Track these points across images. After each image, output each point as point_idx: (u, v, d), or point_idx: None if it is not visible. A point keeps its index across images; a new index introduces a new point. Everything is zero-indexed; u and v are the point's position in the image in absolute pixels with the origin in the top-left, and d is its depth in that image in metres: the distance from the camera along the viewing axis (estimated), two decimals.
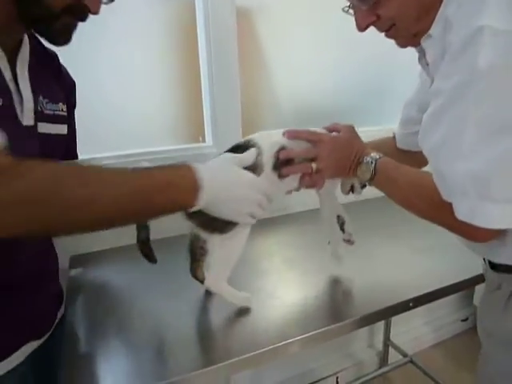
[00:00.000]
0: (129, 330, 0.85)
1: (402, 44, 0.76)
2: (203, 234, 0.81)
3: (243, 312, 0.87)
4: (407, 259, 1.13)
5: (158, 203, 0.60)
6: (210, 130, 1.37)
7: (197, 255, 0.86)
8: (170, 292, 0.97)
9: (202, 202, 0.64)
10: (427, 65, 0.76)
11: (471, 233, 0.65)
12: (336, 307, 0.91)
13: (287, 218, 1.49)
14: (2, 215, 0.45)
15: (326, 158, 0.84)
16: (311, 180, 0.85)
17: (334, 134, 0.89)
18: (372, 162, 0.82)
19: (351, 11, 0.73)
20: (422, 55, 0.78)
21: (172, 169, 0.63)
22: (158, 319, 0.89)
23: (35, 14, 0.61)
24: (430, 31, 0.69)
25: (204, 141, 1.39)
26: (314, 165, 0.83)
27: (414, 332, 2.07)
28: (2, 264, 0.67)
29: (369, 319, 0.87)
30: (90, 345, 0.80)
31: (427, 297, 0.94)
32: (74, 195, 0.52)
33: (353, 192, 0.96)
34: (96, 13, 0.68)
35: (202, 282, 0.87)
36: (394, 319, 1.89)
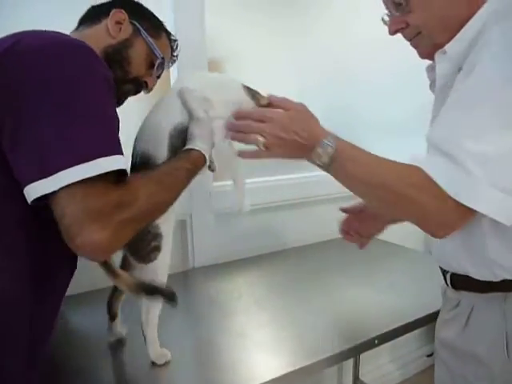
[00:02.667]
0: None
1: (424, 53, 0.81)
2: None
3: (210, 352, 0.88)
4: (370, 297, 1.16)
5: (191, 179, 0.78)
6: None
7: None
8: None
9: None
10: (433, 82, 0.80)
11: (442, 220, 0.64)
12: (304, 347, 0.93)
13: (256, 258, 1.51)
14: (123, 232, 0.61)
15: (276, 135, 0.74)
16: (255, 153, 0.78)
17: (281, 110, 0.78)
18: (330, 145, 0.71)
19: (386, 19, 0.81)
20: (432, 68, 0.81)
21: (189, 155, 0.78)
22: (116, 360, 0.88)
23: (115, 74, 0.70)
24: (446, 48, 0.74)
25: None
26: (260, 139, 0.74)
27: (382, 370, 2.09)
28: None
29: (337, 358, 0.90)
30: None
31: (391, 333, 0.98)
32: (160, 205, 0.70)
33: None
34: (151, 90, 0.88)
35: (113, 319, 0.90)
36: (363, 358, 1.90)
